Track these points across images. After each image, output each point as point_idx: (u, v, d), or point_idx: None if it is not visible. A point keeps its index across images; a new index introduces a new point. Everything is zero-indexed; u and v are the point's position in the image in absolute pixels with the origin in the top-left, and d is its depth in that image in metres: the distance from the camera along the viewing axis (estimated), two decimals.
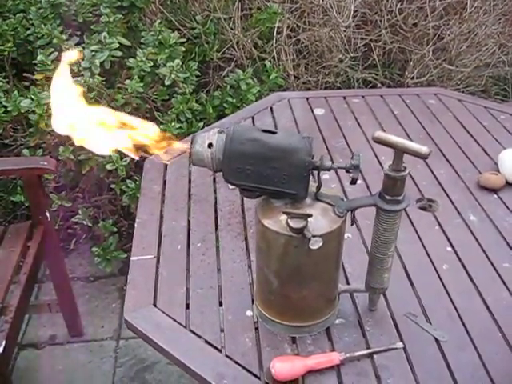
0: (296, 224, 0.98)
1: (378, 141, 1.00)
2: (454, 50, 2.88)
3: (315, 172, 1.02)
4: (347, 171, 1.01)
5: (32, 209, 2.00)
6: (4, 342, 1.59)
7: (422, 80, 2.86)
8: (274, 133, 1.00)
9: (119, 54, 2.23)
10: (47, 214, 1.97)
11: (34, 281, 1.90)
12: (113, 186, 2.31)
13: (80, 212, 2.35)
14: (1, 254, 1.87)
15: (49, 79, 2.09)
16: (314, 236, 0.98)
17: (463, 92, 2.83)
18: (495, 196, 1.56)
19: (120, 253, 2.36)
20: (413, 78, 2.86)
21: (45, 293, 2.44)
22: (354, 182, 1.00)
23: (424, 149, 0.96)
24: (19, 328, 1.80)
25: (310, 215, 0.98)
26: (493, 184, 1.58)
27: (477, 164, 1.69)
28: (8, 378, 1.65)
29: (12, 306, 1.69)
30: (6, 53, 2.32)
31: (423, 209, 1.52)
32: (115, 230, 2.39)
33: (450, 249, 1.37)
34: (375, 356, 1.10)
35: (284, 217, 1.00)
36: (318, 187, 1.04)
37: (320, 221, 1.01)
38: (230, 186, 1.54)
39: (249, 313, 1.20)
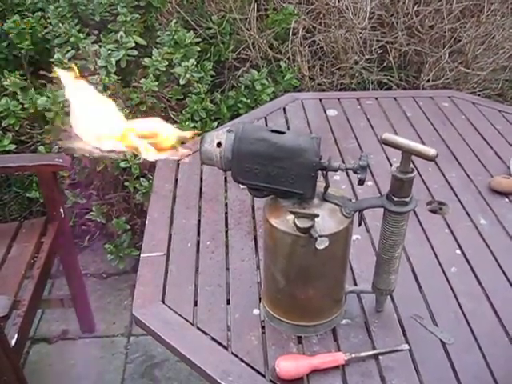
0: (303, 224, 0.98)
1: (386, 142, 1.00)
2: (471, 52, 2.86)
3: (324, 172, 1.03)
4: (355, 172, 1.01)
5: (47, 205, 2.03)
6: (16, 335, 1.61)
7: (438, 83, 2.85)
8: (282, 133, 1.01)
9: (135, 53, 2.25)
10: (61, 211, 2.00)
11: (47, 276, 1.93)
12: (126, 183, 2.33)
13: (94, 209, 2.38)
14: (15, 248, 1.90)
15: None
16: (320, 236, 0.99)
17: (479, 95, 2.81)
18: (506, 200, 1.55)
19: (133, 250, 2.38)
20: (428, 80, 2.85)
21: (58, 288, 2.47)
22: (361, 182, 1.01)
23: (431, 151, 0.96)
24: (32, 322, 1.83)
25: (317, 215, 0.99)
26: (504, 188, 1.58)
27: (489, 167, 1.68)
28: (20, 371, 1.67)
29: (25, 300, 1.72)
30: (23, 51, 2.35)
31: (433, 211, 1.52)
32: (128, 227, 2.42)
33: (458, 252, 1.37)
34: (380, 357, 1.10)
35: (291, 216, 1.01)
36: (326, 188, 1.04)
37: (327, 221, 1.02)
38: (241, 186, 1.55)
39: (256, 311, 1.20)
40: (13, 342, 1.60)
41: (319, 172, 1.01)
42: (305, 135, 1.03)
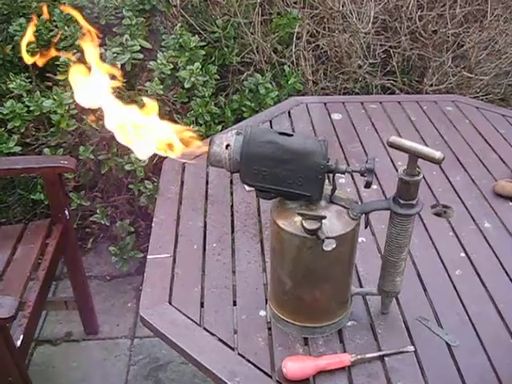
0: (310, 225, 0.99)
1: (393, 145, 1.01)
2: (474, 57, 2.88)
3: (330, 175, 1.04)
4: (362, 175, 1.02)
5: (51, 207, 2.03)
6: (22, 336, 1.62)
7: (441, 87, 2.86)
8: (290, 135, 1.02)
9: (140, 56, 2.26)
10: (66, 213, 2.00)
11: (51, 278, 1.93)
12: (131, 186, 2.34)
13: (98, 211, 2.39)
14: (20, 250, 1.91)
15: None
16: (327, 238, 1.00)
17: (482, 100, 2.82)
18: (510, 204, 1.56)
19: (136, 252, 2.39)
20: (431, 85, 2.86)
21: (62, 290, 2.48)
22: (368, 185, 1.02)
23: (437, 154, 0.97)
24: (36, 324, 1.83)
25: (324, 217, 1.00)
26: (508, 192, 1.58)
27: (493, 171, 1.69)
28: (25, 372, 1.68)
29: (30, 301, 1.72)
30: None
31: (438, 215, 1.53)
32: (132, 230, 2.42)
33: (463, 255, 1.38)
34: (386, 358, 1.11)
35: (299, 218, 1.01)
36: (333, 190, 1.05)
37: (334, 223, 1.03)
38: (247, 188, 1.56)
39: (262, 313, 1.21)
40: (18, 343, 1.61)
41: (326, 174, 1.02)
42: (312, 138, 1.04)
